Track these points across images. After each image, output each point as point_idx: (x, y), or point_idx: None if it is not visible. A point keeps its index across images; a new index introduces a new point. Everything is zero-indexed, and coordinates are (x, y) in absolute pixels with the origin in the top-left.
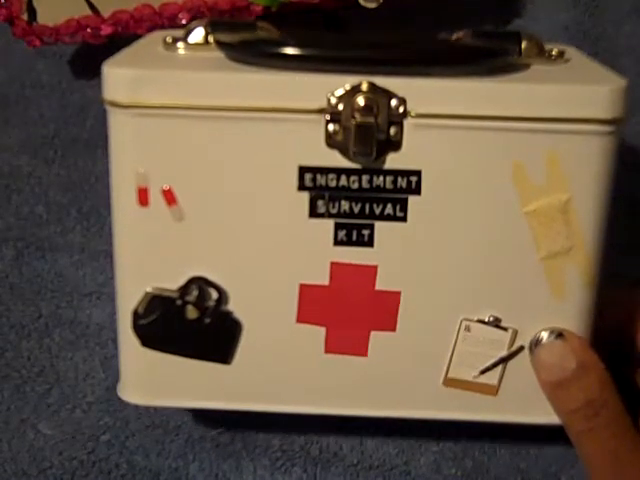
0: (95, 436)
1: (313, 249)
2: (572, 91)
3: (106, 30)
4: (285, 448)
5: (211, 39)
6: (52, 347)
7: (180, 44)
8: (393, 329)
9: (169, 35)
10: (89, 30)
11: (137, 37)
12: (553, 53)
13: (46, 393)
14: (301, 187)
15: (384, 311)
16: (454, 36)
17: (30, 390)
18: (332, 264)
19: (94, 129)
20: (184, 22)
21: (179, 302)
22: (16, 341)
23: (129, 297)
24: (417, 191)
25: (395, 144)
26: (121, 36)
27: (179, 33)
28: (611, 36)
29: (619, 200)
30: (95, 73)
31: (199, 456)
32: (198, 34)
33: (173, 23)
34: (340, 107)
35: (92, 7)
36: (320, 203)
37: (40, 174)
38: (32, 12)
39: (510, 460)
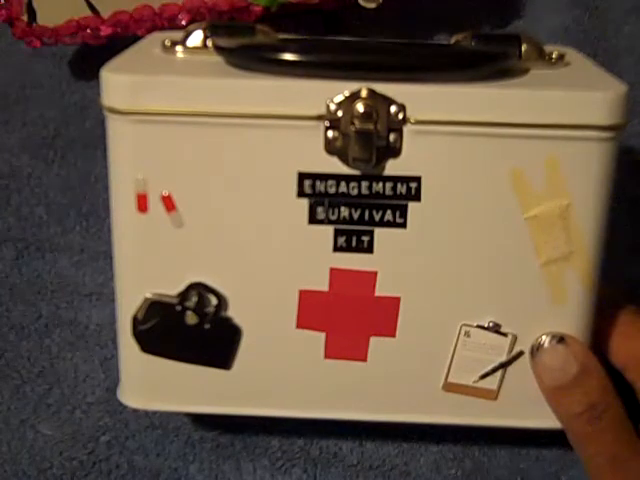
0: (95, 437)
1: (313, 255)
2: (572, 97)
3: (106, 31)
4: (285, 449)
5: (210, 43)
6: (52, 348)
7: (179, 48)
8: (393, 334)
9: (168, 38)
10: (89, 31)
11: (137, 38)
12: (553, 56)
13: (46, 394)
14: (300, 193)
15: (384, 317)
16: (453, 39)
17: (30, 391)
18: (332, 270)
19: (94, 130)
20: (184, 23)
21: (179, 308)
22: (16, 342)
23: (129, 303)
24: (417, 197)
25: (395, 150)
26: (121, 37)
27: (178, 36)
28: (611, 36)
29: (621, 201)
30: (95, 74)
31: (199, 457)
32: (197, 38)
33: (173, 24)
34: (339, 114)
35: (92, 8)
36: (320, 209)
37: (40, 175)
38: (32, 13)
39: (510, 461)
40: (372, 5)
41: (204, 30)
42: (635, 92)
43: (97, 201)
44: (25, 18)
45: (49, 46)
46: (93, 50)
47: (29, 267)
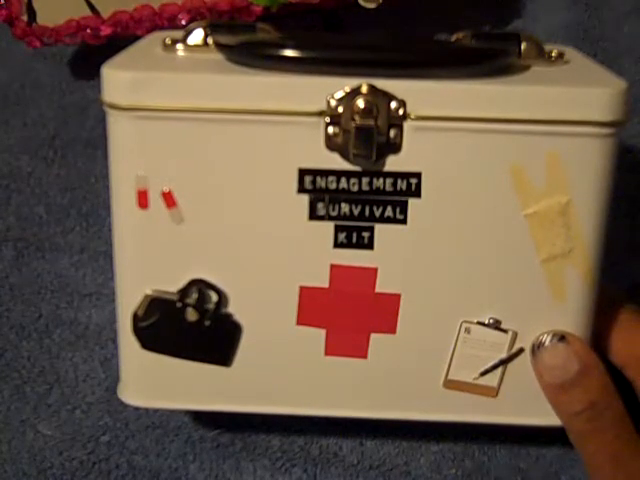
0: (95, 437)
1: (313, 251)
2: (572, 93)
3: (106, 31)
4: (285, 448)
5: (210, 41)
6: (52, 347)
7: (179, 46)
8: (393, 331)
9: (168, 36)
10: (89, 31)
11: (137, 38)
12: (553, 54)
13: (46, 393)
14: (301, 189)
15: (384, 313)
16: (453, 37)
17: (30, 390)
18: (332, 266)
19: (94, 129)
20: (184, 23)
21: (179, 304)
22: (16, 341)
23: (129, 299)
24: (417, 193)
25: (395, 146)
26: (121, 37)
27: (178, 34)
28: (611, 36)
29: (621, 200)
30: (95, 74)
31: (199, 456)
32: (197, 36)
33: (173, 24)
34: (340, 109)
35: (92, 8)
36: (320, 205)
37: (40, 174)
38: (32, 13)
39: (510, 460)
40: (372, 5)
41: (205, 28)
42: (635, 92)
43: (97, 201)
44: (25, 18)
45: (49, 46)
46: (93, 50)
47: (29, 267)
